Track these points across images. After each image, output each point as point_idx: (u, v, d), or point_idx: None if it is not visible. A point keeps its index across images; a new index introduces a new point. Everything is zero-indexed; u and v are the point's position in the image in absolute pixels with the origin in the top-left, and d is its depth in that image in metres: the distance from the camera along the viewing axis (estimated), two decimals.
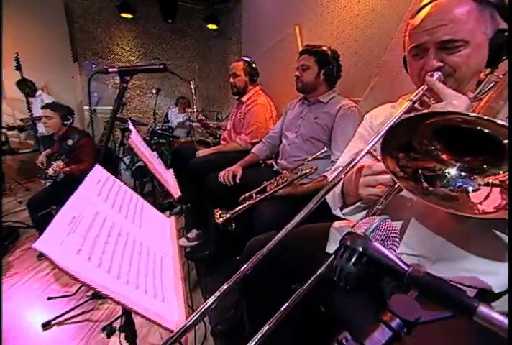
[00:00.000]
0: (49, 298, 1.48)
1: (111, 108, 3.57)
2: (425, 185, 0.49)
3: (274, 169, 1.65)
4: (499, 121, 0.37)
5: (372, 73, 1.63)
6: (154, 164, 1.33)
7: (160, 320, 0.52)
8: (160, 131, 3.00)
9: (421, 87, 0.62)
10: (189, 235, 2.05)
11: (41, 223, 1.83)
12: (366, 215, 0.81)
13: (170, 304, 0.62)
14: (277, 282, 0.95)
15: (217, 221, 1.21)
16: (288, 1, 2.41)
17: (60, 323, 1.36)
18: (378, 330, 0.29)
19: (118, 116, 3.46)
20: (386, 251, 0.37)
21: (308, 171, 1.21)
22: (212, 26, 4.44)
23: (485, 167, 0.45)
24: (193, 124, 3.29)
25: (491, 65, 0.67)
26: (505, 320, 0.29)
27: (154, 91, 3.66)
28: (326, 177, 1.32)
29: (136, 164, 2.30)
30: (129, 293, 0.51)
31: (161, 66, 1.00)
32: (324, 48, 1.50)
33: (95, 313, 1.44)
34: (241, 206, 1.22)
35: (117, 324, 1.31)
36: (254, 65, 2.04)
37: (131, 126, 1.50)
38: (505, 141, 0.39)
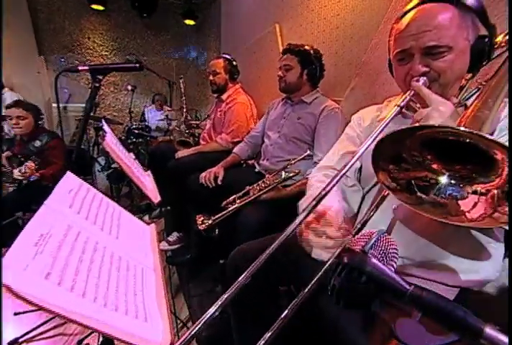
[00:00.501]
0: (15, 314, 1.36)
1: (84, 105, 3.37)
2: (419, 194, 0.49)
3: (256, 170, 1.63)
4: (489, 137, 0.37)
5: (352, 73, 1.64)
6: (132, 167, 1.26)
7: (144, 343, 0.48)
8: (136, 131, 2.87)
9: (408, 92, 0.63)
10: (169, 238, 1.98)
11: (4, 233, 1.69)
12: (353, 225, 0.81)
13: (154, 323, 0.58)
14: (263, 288, 0.93)
15: (199, 227, 1.16)
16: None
17: (29, 340, 1.25)
18: None
19: (91, 114, 3.29)
20: (386, 269, 0.35)
21: (291, 175, 1.20)
22: (190, 22, 4.31)
23: (473, 175, 0.46)
24: (172, 124, 3.21)
25: (472, 70, 0.69)
26: None
27: (129, 88, 3.50)
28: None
29: (112, 166, 2.19)
30: (107, 317, 0.47)
31: (137, 65, 0.93)
32: (307, 47, 1.48)
33: (68, 326, 1.35)
34: (224, 212, 1.19)
35: (94, 339, 1.24)
36: (234, 63, 1.99)
37: (105, 127, 1.41)
38: (494, 154, 0.39)
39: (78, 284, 0.47)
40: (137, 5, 3.91)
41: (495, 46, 0.71)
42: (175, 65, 4.61)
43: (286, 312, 0.46)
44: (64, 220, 0.58)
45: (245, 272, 0.46)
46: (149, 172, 1.60)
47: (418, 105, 0.69)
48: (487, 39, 0.66)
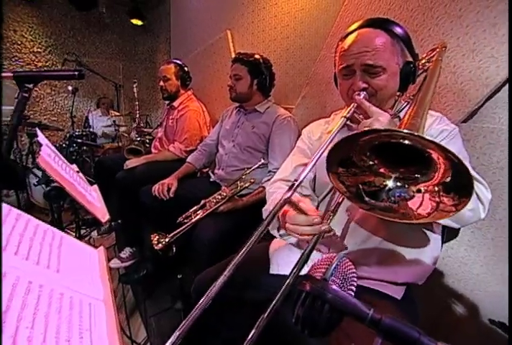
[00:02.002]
0: None
1: (11, 108, 2.96)
2: (367, 199, 0.53)
3: (211, 180, 1.60)
4: (427, 137, 0.42)
5: (303, 82, 1.70)
6: (75, 184, 1.13)
7: None
8: (79, 140, 2.62)
9: (352, 105, 0.69)
10: (122, 254, 1.84)
11: None
12: None
13: None
14: (223, 310, 0.90)
15: (155, 247, 1.09)
16: (219, 5, 2.35)
17: None
18: None
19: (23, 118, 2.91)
20: (346, 295, 0.36)
21: (247, 184, 1.20)
22: (136, 22, 4.06)
23: (416, 176, 0.51)
24: (120, 129, 3.00)
25: (401, 90, 0.80)
26: None
27: (70, 89, 3.16)
28: (264, 188, 1.33)
29: (51, 178, 1.94)
30: None
31: (76, 73, 0.84)
32: (256, 57, 1.49)
33: None
34: (181, 228, 1.13)
35: None
36: (186, 69, 1.94)
37: (40, 138, 1.25)
38: (432, 154, 0.44)
39: (4, 342, 0.40)
40: None
41: (420, 69, 0.82)
42: (122, 67, 4.32)
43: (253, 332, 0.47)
44: None
45: (195, 307, 0.45)
46: (95, 186, 1.46)
47: (361, 116, 0.76)
48: (412, 65, 0.77)
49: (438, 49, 0.92)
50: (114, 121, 2.98)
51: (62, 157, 1.42)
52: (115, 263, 1.78)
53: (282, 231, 0.80)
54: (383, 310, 0.74)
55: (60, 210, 1.17)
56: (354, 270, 0.40)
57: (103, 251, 0.89)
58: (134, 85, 2.20)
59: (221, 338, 0.93)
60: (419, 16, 1.08)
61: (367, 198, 0.52)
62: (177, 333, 0.42)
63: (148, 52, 4.45)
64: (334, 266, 0.38)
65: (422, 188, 0.50)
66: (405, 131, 0.44)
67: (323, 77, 1.56)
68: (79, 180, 1.28)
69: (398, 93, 0.81)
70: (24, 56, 3.68)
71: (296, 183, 0.56)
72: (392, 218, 0.51)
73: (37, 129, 1.59)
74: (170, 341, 0.39)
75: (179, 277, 1.52)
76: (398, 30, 0.75)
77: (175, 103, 1.95)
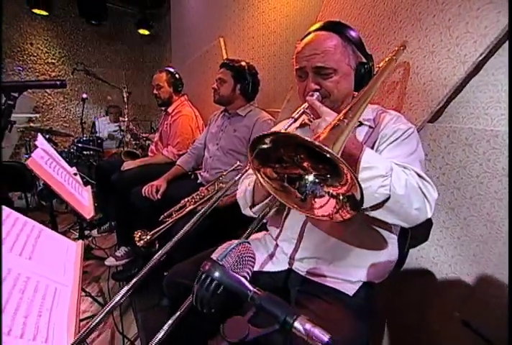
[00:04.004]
0: None
1: (28, 116, 3.11)
2: (286, 185, 0.56)
3: (198, 182, 1.67)
4: (330, 150, 0.44)
5: (289, 86, 1.75)
6: (64, 184, 1.23)
7: None
8: (80, 145, 2.77)
9: (303, 105, 0.72)
10: (117, 253, 1.93)
11: None
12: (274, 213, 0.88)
13: (56, 342, 0.59)
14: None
15: (137, 243, 1.16)
16: (213, 14, 2.45)
17: None
18: None
19: (37, 125, 3.12)
20: (233, 275, 0.41)
21: (224, 186, 1.25)
22: (144, 32, 4.27)
23: (328, 177, 0.53)
24: (127, 135, 3.14)
25: (358, 90, 0.81)
26: (323, 337, 0.34)
27: (84, 96, 3.34)
28: None
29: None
30: None
31: (57, 82, 0.92)
32: (242, 63, 1.55)
33: None
34: (162, 226, 1.20)
35: None
36: (177, 76, 2.03)
37: (39, 141, 1.37)
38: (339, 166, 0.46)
39: None
40: (86, 12, 3.76)
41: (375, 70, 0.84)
42: (130, 74, 4.51)
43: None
44: None
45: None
46: (88, 187, 1.56)
47: (312, 117, 0.80)
48: (366, 66, 0.79)
49: (397, 48, 0.93)
50: (119, 126, 3.13)
51: (62, 161, 1.54)
52: (110, 261, 1.87)
53: (255, 208, 0.86)
54: (332, 304, 0.76)
55: (52, 209, 1.27)
56: (251, 252, 0.44)
57: (81, 244, 0.97)
58: (124, 90, 2.30)
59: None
60: (385, 20, 1.12)
61: (286, 184, 0.56)
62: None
63: (155, 60, 4.63)
64: (228, 249, 0.43)
65: (331, 191, 0.52)
66: (309, 140, 0.45)
67: None
68: (71, 181, 1.38)
69: (356, 93, 0.82)
70: (39, 67, 3.94)
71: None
72: (289, 203, 0.54)
73: (38, 133, 1.73)
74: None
75: (165, 274, 1.58)
76: (348, 32, 0.78)
77: (169, 109, 2.04)
